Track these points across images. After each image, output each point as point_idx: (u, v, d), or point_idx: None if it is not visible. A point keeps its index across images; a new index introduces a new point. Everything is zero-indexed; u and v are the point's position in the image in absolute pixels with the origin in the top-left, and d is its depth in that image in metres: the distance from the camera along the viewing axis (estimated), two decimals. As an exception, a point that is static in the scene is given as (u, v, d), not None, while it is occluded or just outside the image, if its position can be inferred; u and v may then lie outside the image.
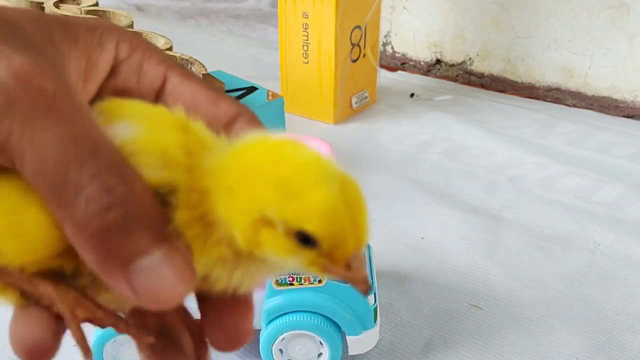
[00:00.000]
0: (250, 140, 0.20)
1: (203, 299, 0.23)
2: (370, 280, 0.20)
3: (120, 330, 0.21)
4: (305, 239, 0.18)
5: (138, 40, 0.23)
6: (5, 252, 0.20)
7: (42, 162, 0.18)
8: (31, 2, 0.75)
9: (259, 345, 0.47)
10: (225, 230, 0.19)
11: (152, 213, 0.19)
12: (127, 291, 0.18)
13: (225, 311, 0.22)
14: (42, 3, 0.74)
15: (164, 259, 0.19)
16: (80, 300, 0.20)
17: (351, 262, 0.19)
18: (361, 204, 0.20)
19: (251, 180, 0.19)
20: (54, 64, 0.20)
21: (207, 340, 0.23)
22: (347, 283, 0.19)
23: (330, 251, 0.19)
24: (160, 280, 0.18)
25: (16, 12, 0.20)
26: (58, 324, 0.20)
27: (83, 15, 0.72)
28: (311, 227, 0.18)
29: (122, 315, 0.22)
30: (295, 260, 0.19)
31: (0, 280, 0.20)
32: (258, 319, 0.47)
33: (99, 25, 0.22)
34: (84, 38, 0.21)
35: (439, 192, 0.73)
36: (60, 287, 0.20)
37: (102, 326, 0.21)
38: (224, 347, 0.22)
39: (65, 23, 0.21)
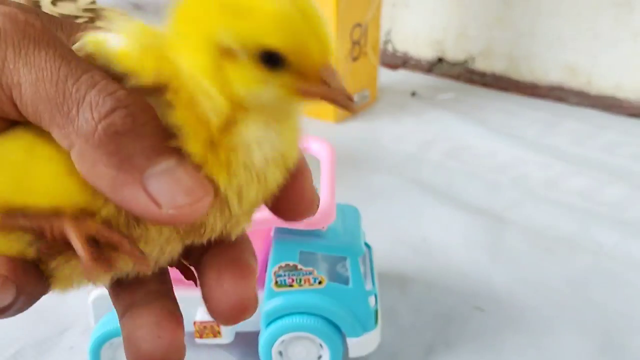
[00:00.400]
0: None
1: (202, 262, 0.21)
2: (352, 96, 0.19)
3: (124, 250, 0.19)
4: (271, 60, 0.17)
5: None
6: (16, 203, 0.19)
7: (39, 83, 0.18)
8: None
9: (257, 347, 0.46)
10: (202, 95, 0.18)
11: (157, 120, 0.18)
12: (146, 202, 0.17)
13: (225, 271, 0.20)
14: (39, 1, 0.74)
15: (179, 163, 0.18)
16: (80, 219, 0.19)
17: (325, 76, 0.18)
18: (316, 13, 0.18)
19: (196, 14, 0.18)
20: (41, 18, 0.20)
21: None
22: (329, 102, 0.18)
23: (299, 66, 0.18)
24: (179, 184, 0.18)
25: None
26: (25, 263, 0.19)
27: (80, 14, 0.71)
28: (271, 40, 0.17)
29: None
30: (269, 90, 0.18)
31: (6, 223, 0.19)
32: (257, 321, 0.46)
33: (81, 23, 0.23)
34: (68, 27, 0.22)
35: (441, 192, 0.72)
36: (63, 216, 0.19)
37: (129, 288, 0.19)
38: (226, 314, 0.20)
39: (50, 14, 0.22)
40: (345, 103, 0.18)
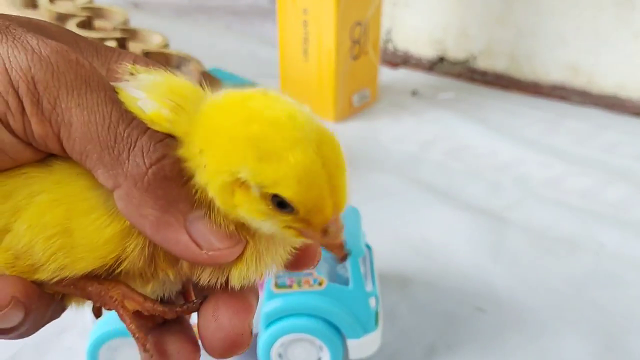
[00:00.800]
0: (221, 95, 0.19)
1: (203, 297, 0.22)
2: (348, 250, 0.19)
3: (171, 315, 0.21)
4: (281, 204, 0.18)
5: (152, 62, 0.24)
6: (55, 262, 0.19)
7: (90, 124, 0.19)
8: (26, -3, 0.74)
9: (257, 349, 0.46)
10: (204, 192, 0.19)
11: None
12: (187, 243, 0.19)
13: (222, 305, 0.21)
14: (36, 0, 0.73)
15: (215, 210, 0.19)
16: (128, 292, 0.20)
17: (328, 228, 0.18)
18: (340, 165, 0.18)
19: (221, 139, 0.18)
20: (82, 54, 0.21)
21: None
22: (324, 247, 0.19)
23: (307, 217, 0.18)
24: (218, 230, 0.19)
25: (42, 21, 0.22)
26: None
27: (78, 13, 0.71)
28: (288, 193, 0.17)
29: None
30: (270, 224, 0.19)
31: (50, 289, 0.20)
32: (256, 323, 0.46)
33: (116, 48, 0.24)
34: (104, 52, 0.23)
35: (441, 192, 0.72)
36: (105, 284, 0.20)
37: (152, 315, 0.21)
38: (218, 347, 0.21)
39: (86, 38, 0.23)
40: (338, 254, 0.19)
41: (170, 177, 0.19)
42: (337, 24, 0.82)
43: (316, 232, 0.18)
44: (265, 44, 1.14)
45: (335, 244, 0.18)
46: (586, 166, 0.77)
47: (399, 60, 1.10)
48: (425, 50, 1.07)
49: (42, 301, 0.20)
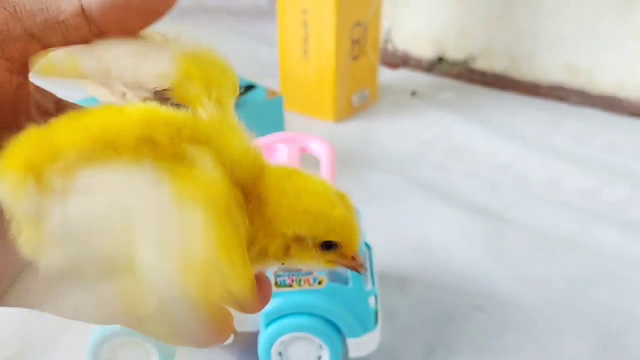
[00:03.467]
0: (271, 175, 0.24)
1: None
2: (371, 281, 0.24)
3: None
4: (327, 246, 0.24)
5: None
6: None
7: None
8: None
9: (257, 347, 0.46)
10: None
11: None
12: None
13: None
14: None
15: None
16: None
17: (355, 255, 0.25)
18: (354, 211, 0.25)
19: (279, 211, 0.23)
20: None
21: None
22: (350, 269, 0.25)
23: (345, 251, 0.24)
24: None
25: None
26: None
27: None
28: (336, 237, 0.24)
29: None
30: (318, 263, 0.24)
31: None
32: (257, 321, 0.46)
33: None
34: None
35: (441, 192, 0.72)
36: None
37: None
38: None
39: None
40: (362, 271, 0.25)
41: None
42: (337, 24, 0.83)
43: (348, 261, 0.24)
44: (265, 45, 1.14)
45: (360, 264, 0.25)
46: (585, 166, 0.77)
47: (399, 60, 1.10)
48: (424, 50, 1.07)
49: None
